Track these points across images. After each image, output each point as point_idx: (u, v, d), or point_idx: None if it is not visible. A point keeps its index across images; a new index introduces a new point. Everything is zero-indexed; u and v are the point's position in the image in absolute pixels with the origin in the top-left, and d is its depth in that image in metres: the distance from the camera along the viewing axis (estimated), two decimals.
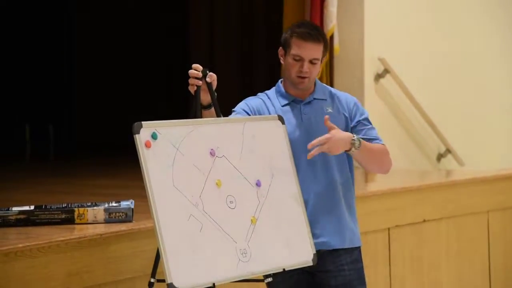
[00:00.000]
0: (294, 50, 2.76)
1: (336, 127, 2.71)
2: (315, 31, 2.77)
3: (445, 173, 5.62)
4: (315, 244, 2.77)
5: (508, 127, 6.87)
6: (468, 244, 4.69)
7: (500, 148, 6.74)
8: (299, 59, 2.75)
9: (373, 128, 2.87)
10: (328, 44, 2.85)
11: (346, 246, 2.83)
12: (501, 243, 4.88)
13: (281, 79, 2.90)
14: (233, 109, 2.87)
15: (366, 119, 2.87)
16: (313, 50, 2.75)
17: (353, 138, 2.72)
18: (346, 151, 2.73)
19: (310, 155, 2.68)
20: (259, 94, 2.91)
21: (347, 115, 2.86)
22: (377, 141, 2.84)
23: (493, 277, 4.83)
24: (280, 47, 2.82)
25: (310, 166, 2.80)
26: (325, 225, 2.80)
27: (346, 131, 2.82)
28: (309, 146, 2.68)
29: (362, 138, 2.77)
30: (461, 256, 4.66)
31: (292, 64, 2.76)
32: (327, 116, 2.72)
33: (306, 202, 2.78)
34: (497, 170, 5.21)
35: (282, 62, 2.83)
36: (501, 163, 6.17)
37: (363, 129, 2.84)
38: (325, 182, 2.81)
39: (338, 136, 2.69)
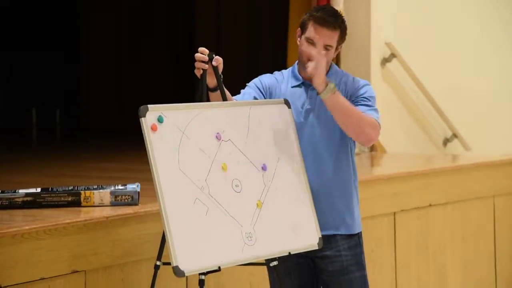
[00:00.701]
0: (308, 33, 2.75)
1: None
2: (332, 18, 2.74)
3: (451, 158, 5.62)
4: None
5: None
6: (473, 229, 4.69)
7: (506, 133, 6.72)
8: (312, 43, 2.75)
9: (369, 106, 2.76)
10: (345, 33, 2.79)
11: (341, 233, 2.82)
12: (507, 228, 4.89)
13: (297, 61, 2.89)
14: (247, 84, 2.88)
15: (366, 97, 2.78)
16: (327, 37, 2.74)
17: (329, 83, 2.65)
18: (318, 93, 2.67)
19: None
20: (275, 72, 2.91)
21: (346, 95, 2.79)
22: (366, 112, 2.73)
23: (499, 262, 4.83)
24: (299, 28, 2.81)
25: (309, 151, 2.79)
26: (322, 211, 2.78)
27: None
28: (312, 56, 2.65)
29: None
30: (467, 241, 4.66)
31: (305, 47, 2.76)
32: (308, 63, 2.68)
33: None
34: (503, 155, 5.20)
35: (298, 42, 2.82)
36: (507, 148, 6.15)
37: (357, 101, 2.76)
38: (321, 168, 2.80)
39: (323, 69, 2.65)
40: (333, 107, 2.69)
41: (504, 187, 4.86)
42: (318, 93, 2.69)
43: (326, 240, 2.79)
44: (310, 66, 2.67)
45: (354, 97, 2.79)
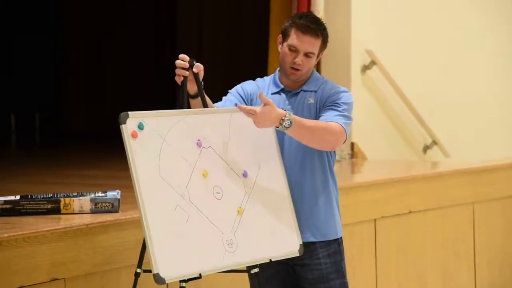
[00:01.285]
0: (291, 41, 2.75)
1: (271, 102, 2.61)
2: (315, 25, 2.75)
3: (430, 165, 5.65)
4: None
5: (494, 119, 6.91)
6: (453, 235, 4.72)
7: (485, 141, 6.78)
8: (295, 50, 2.75)
9: (338, 111, 2.74)
10: (327, 40, 2.80)
11: (318, 240, 2.81)
12: (486, 235, 4.92)
13: (279, 68, 2.90)
14: (229, 90, 2.88)
15: (337, 103, 2.76)
16: (310, 44, 2.74)
17: (284, 117, 2.62)
18: (276, 127, 2.67)
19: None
20: (258, 79, 2.92)
21: (322, 100, 2.79)
22: (328, 116, 2.72)
23: (478, 269, 4.86)
24: (280, 35, 2.82)
25: (284, 158, 2.79)
26: (298, 218, 2.78)
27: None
28: (238, 107, 2.63)
29: (319, 116, 2.72)
30: (446, 248, 4.68)
31: (287, 54, 2.76)
32: (261, 91, 2.67)
33: None
34: (482, 162, 5.24)
35: (279, 49, 2.82)
36: (486, 155, 6.20)
37: (324, 109, 2.76)
38: (299, 175, 2.80)
39: (267, 114, 2.60)
40: (295, 134, 2.68)
41: (483, 193, 4.89)
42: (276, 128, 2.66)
43: (305, 247, 2.79)
44: (255, 121, 2.61)
45: (327, 102, 2.78)
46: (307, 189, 2.80)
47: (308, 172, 2.80)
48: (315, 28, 2.75)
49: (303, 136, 2.69)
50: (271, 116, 2.62)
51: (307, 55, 2.76)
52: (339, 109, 2.76)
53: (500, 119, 6.97)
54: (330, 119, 2.73)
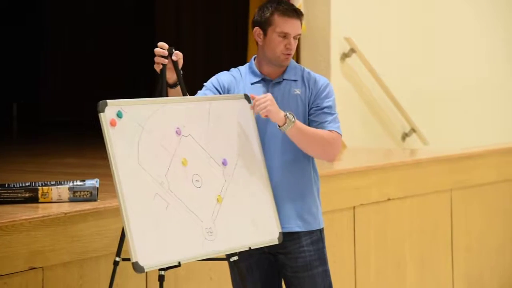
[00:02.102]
0: (279, 28, 2.76)
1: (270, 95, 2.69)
2: (294, 8, 2.80)
3: (409, 152, 5.68)
4: None
5: (472, 106, 6.96)
6: (431, 222, 4.76)
7: (463, 128, 6.82)
8: (284, 36, 2.76)
9: (330, 114, 2.81)
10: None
11: (303, 230, 2.82)
12: (463, 221, 4.96)
13: (255, 56, 2.89)
14: (204, 84, 2.86)
15: (329, 106, 2.82)
16: (297, 27, 2.78)
17: (288, 115, 2.69)
18: (279, 127, 2.71)
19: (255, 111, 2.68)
20: (232, 69, 2.90)
21: (311, 95, 2.83)
22: (325, 124, 2.78)
23: (455, 255, 4.91)
24: (256, 27, 2.81)
25: (269, 148, 2.80)
26: (283, 208, 2.80)
27: (309, 110, 2.81)
28: (254, 100, 2.67)
29: (314, 124, 2.77)
30: (424, 234, 4.72)
31: (278, 42, 2.77)
32: (252, 95, 2.72)
33: None
34: (460, 149, 5.28)
35: (259, 42, 2.81)
36: (464, 143, 6.25)
37: (317, 112, 2.80)
38: (284, 164, 2.81)
39: (274, 102, 2.69)
40: (295, 136, 2.73)
41: (461, 181, 4.93)
42: (279, 127, 2.71)
43: (288, 236, 2.80)
44: (262, 111, 2.67)
45: (318, 104, 2.81)
46: (293, 181, 2.81)
47: (293, 163, 2.81)
48: (297, 10, 2.80)
49: (303, 138, 2.73)
50: (276, 106, 2.67)
51: (295, 37, 2.79)
52: (332, 111, 2.82)
53: (478, 107, 7.02)
54: (327, 127, 2.78)
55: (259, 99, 2.68)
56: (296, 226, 2.82)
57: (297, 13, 2.78)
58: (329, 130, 2.78)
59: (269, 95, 2.70)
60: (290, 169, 2.81)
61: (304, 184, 2.84)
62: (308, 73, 2.88)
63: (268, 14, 2.78)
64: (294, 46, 2.79)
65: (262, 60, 2.83)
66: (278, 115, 2.69)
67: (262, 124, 2.80)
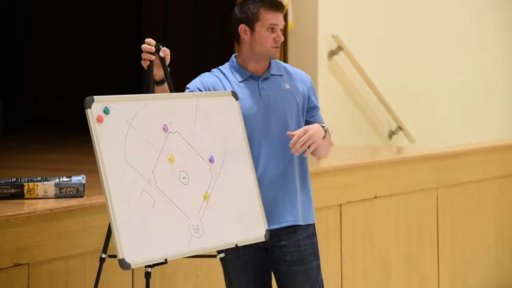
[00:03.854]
0: (268, 21, 2.79)
1: (302, 128, 2.78)
2: (278, 1, 2.84)
3: (396, 150, 5.70)
4: (271, 222, 2.79)
5: (459, 105, 6.99)
6: (417, 220, 4.78)
7: (449, 127, 6.86)
8: (272, 29, 2.79)
9: (320, 114, 2.95)
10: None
11: (300, 223, 2.85)
12: (449, 219, 4.99)
13: (234, 55, 2.89)
14: (187, 86, 2.85)
15: (318, 105, 2.94)
16: (282, 19, 2.84)
17: (322, 125, 2.82)
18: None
19: (296, 152, 2.74)
20: (213, 70, 2.89)
21: (306, 92, 2.89)
22: (324, 125, 2.89)
23: (441, 252, 4.93)
24: (242, 24, 2.81)
25: (267, 144, 2.81)
26: (280, 203, 2.82)
27: (303, 108, 2.87)
28: (291, 144, 2.73)
29: (310, 121, 2.88)
30: (411, 232, 4.74)
31: (267, 36, 2.79)
32: (289, 132, 2.77)
33: (262, 180, 2.80)
34: (446, 148, 5.30)
35: (246, 39, 2.82)
36: (450, 141, 6.28)
37: (317, 114, 2.91)
38: (282, 160, 2.83)
39: (310, 127, 2.76)
40: (325, 144, 2.84)
41: (447, 178, 4.95)
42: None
43: (285, 230, 2.83)
44: (309, 150, 2.75)
45: (313, 103, 2.90)
46: (290, 176, 2.84)
47: (291, 160, 2.84)
48: (281, 2, 2.85)
49: (325, 142, 2.84)
50: (313, 127, 2.76)
51: (280, 29, 2.84)
52: (320, 111, 2.94)
53: (464, 105, 7.05)
54: (324, 127, 2.87)
55: (300, 141, 2.72)
56: (292, 221, 2.84)
57: (281, 6, 2.84)
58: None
59: (304, 129, 2.74)
60: (288, 165, 2.84)
61: (300, 179, 2.87)
62: (289, 67, 2.95)
63: (255, 9, 2.79)
64: (281, 38, 2.84)
65: (249, 57, 2.83)
66: (321, 139, 2.78)
67: (261, 123, 2.80)
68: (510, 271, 5.44)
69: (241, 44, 2.84)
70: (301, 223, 2.85)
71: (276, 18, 2.80)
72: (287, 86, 2.85)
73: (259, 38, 2.80)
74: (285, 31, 5.58)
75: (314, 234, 2.91)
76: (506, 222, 5.40)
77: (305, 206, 2.87)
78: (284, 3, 2.89)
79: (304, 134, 2.72)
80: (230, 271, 2.76)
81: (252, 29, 2.80)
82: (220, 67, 2.90)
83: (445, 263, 4.96)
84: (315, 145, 2.74)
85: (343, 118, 5.94)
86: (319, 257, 2.92)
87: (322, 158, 3.03)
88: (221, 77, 2.85)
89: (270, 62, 2.87)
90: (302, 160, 2.88)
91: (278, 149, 2.82)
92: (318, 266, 2.90)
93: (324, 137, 2.79)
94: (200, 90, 2.82)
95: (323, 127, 2.80)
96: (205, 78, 2.86)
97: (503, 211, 5.38)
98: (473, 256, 5.17)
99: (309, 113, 2.90)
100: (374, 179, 4.50)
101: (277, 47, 2.82)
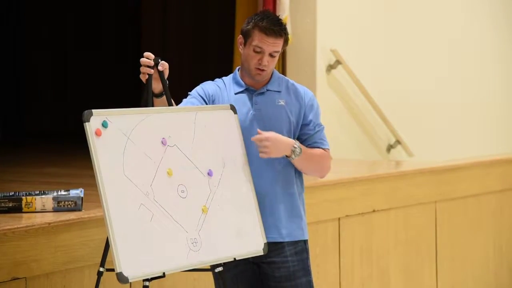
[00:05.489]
0: (255, 42, 2.76)
1: (272, 133, 2.74)
2: (277, 27, 2.76)
3: (394, 164, 5.70)
4: None
5: (457, 119, 7.00)
6: (416, 234, 4.77)
7: (448, 140, 6.86)
8: (260, 52, 2.76)
9: (321, 130, 2.88)
10: (288, 38, 2.83)
11: (286, 240, 2.83)
12: (448, 233, 4.98)
13: (239, 67, 2.89)
14: (189, 92, 2.87)
15: (319, 123, 2.88)
16: (274, 45, 2.76)
17: (295, 145, 2.76)
18: (286, 156, 2.77)
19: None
20: (216, 79, 2.91)
21: (302, 108, 2.85)
22: (321, 144, 2.85)
23: (440, 266, 4.92)
24: (240, 35, 2.82)
25: (254, 156, 2.80)
26: (267, 218, 2.80)
27: (297, 124, 2.85)
28: (253, 138, 2.72)
29: (309, 141, 2.83)
30: (409, 246, 4.73)
31: (252, 56, 2.77)
32: (259, 130, 2.75)
33: None
34: (444, 161, 5.30)
35: (240, 50, 2.82)
36: (449, 155, 6.28)
37: (312, 132, 2.85)
38: (271, 175, 2.82)
39: (279, 138, 2.73)
40: (300, 165, 2.81)
41: (445, 192, 4.95)
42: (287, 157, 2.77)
43: (273, 246, 2.81)
44: (260, 154, 2.73)
45: (310, 120, 2.85)
46: (277, 189, 2.82)
47: (280, 174, 2.82)
48: (278, 29, 2.77)
49: (306, 164, 2.81)
50: (283, 140, 2.73)
51: (271, 55, 2.78)
52: (321, 127, 2.88)
53: (463, 119, 7.06)
54: (322, 146, 2.85)
55: (260, 140, 2.71)
56: (279, 237, 2.82)
57: (276, 33, 2.75)
58: (324, 149, 2.84)
59: (271, 136, 2.72)
60: (278, 179, 2.82)
61: (290, 195, 2.85)
62: (293, 84, 2.90)
63: (250, 26, 2.78)
64: (270, 63, 2.77)
65: (243, 70, 2.84)
66: (279, 155, 2.74)
67: (247, 137, 2.80)
68: (508, 285, 5.43)
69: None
70: (288, 239, 2.83)
71: (264, 43, 2.73)
72: (282, 102, 2.83)
73: (246, 54, 2.79)
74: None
75: (304, 250, 2.87)
76: (505, 236, 5.40)
77: (294, 221, 2.84)
78: (284, 30, 2.77)
79: (263, 140, 2.70)
80: (223, 285, 2.74)
81: (244, 43, 2.81)
82: (224, 77, 2.92)
83: (444, 277, 4.95)
84: (267, 155, 2.71)
85: (341, 132, 5.95)
86: (310, 274, 2.88)
87: (319, 178, 2.98)
88: (222, 87, 2.86)
89: (271, 77, 2.85)
90: (294, 175, 2.85)
91: (270, 164, 2.81)
92: (309, 283, 2.87)
93: (290, 156, 2.74)
94: (201, 96, 2.83)
95: (294, 147, 2.74)
96: (206, 86, 2.87)
97: (501, 225, 5.38)
98: (472, 270, 5.16)
99: (303, 130, 2.85)
100: (372, 193, 4.49)
101: (261, 70, 2.77)
